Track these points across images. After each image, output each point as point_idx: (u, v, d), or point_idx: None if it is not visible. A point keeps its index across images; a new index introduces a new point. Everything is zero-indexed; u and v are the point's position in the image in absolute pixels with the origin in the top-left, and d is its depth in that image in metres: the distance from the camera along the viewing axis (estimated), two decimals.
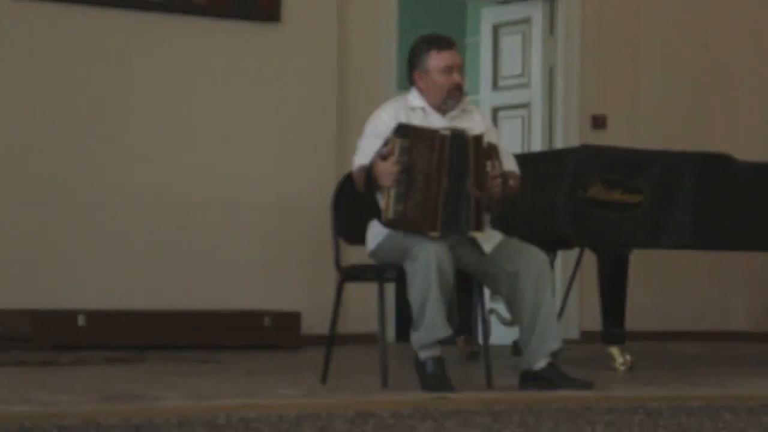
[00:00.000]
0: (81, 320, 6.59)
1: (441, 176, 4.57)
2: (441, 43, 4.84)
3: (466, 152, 4.62)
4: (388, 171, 4.55)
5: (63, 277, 6.92)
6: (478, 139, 4.63)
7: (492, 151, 4.67)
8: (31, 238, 6.88)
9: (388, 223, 4.62)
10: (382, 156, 4.57)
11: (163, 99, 7.22)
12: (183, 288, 7.15)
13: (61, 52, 7.00)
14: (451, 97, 4.82)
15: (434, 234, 4.57)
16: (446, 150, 4.57)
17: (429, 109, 4.83)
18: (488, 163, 4.63)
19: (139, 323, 6.74)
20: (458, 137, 4.63)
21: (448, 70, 4.81)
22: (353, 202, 4.95)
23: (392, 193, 4.57)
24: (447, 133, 4.60)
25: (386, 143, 4.60)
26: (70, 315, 6.60)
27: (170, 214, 7.18)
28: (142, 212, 7.11)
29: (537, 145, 8.27)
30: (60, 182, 6.95)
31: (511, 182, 4.76)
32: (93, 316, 6.64)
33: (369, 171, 4.62)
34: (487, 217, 4.71)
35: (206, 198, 7.27)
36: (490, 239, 4.75)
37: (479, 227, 4.63)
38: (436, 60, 4.82)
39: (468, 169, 4.61)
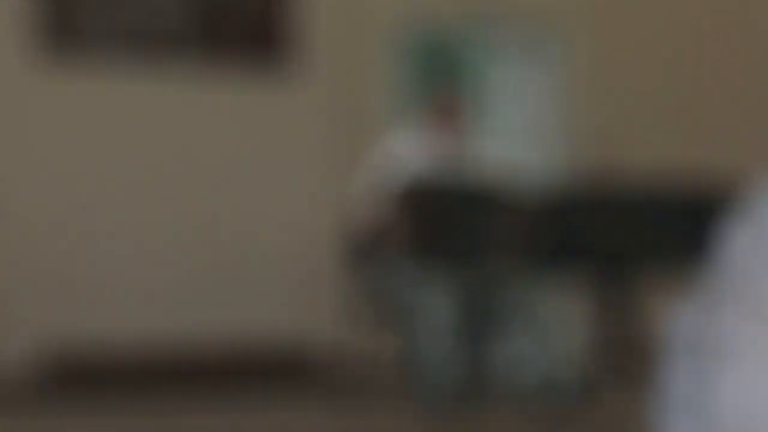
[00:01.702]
0: (104, 350, 6.74)
1: (445, 228, 4.72)
2: (442, 79, 5.01)
3: (475, 203, 4.78)
4: (395, 236, 4.70)
5: (85, 312, 7.07)
6: (491, 193, 4.77)
7: (500, 200, 4.84)
8: (54, 272, 7.04)
9: (394, 259, 4.78)
10: (387, 227, 4.75)
11: (171, 146, 7.36)
12: (191, 317, 7.28)
13: (84, 107, 7.17)
14: (443, 135, 4.98)
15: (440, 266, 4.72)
16: (447, 205, 4.72)
17: (429, 140, 4.98)
18: (501, 213, 4.82)
19: (148, 356, 6.88)
20: (463, 195, 4.77)
21: (446, 105, 4.97)
22: (361, 240, 5.07)
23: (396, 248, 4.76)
24: (450, 190, 4.72)
25: (394, 209, 4.77)
26: (93, 346, 6.76)
27: (180, 247, 7.33)
28: (150, 250, 7.25)
29: (542, 166, 8.37)
30: (86, 222, 7.11)
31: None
32: (114, 346, 6.79)
33: (375, 230, 4.79)
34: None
35: (214, 234, 7.40)
36: (495, 280, 4.90)
37: (483, 265, 4.80)
38: (435, 97, 4.99)
39: (482, 221, 4.76)
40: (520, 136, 8.61)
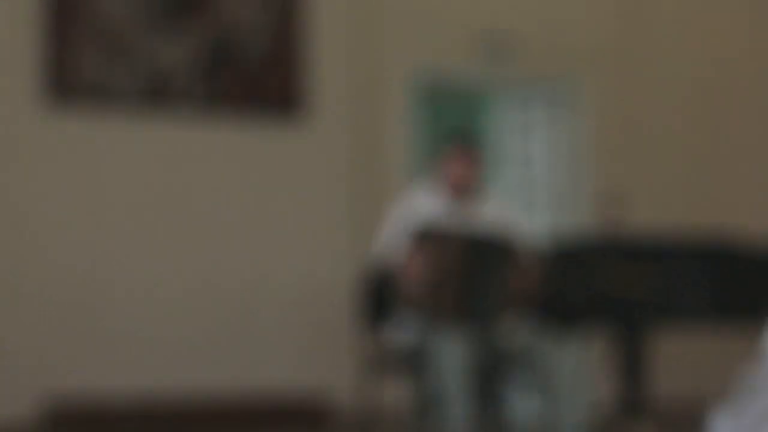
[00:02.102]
0: (111, 404, 6.69)
1: (461, 278, 4.68)
2: (457, 140, 5.03)
3: (492, 258, 4.74)
4: (414, 275, 4.68)
5: (89, 366, 7.02)
6: (507, 247, 4.75)
7: (518, 256, 4.80)
8: (57, 328, 7.01)
9: (411, 305, 4.75)
10: (406, 261, 4.71)
11: (185, 192, 7.35)
12: (202, 371, 7.24)
13: (80, 150, 7.17)
14: (452, 194, 4.99)
15: (455, 326, 4.69)
16: (462, 253, 4.69)
17: (441, 200, 5.00)
18: (515, 270, 4.77)
19: (164, 409, 6.84)
20: (482, 243, 4.76)
21: (455, 167, 4.99)
22: (374, 290, 5.08)
23: (416, 292, 4.71)
24: (468, 238, 4.70)
25: (411, 249, 4.73)
26: (98, 400, 6.71)
27: (191, 300, 7.30)
28: (163, 302, 7.23)
29: (548, 225, 8.39)
30: (87, 270, 7.08)
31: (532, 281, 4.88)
32: (120, 402, 6.74)
33: (394, 273, 4.77)
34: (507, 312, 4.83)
35: (227, 284, 7.38)
36: (511, 330, 4.87)
37: (493, 325, 4.76)
38: (449, 155, 5.01)
39: (492, 274, 4.74)
40: (530, 193, 8.62)
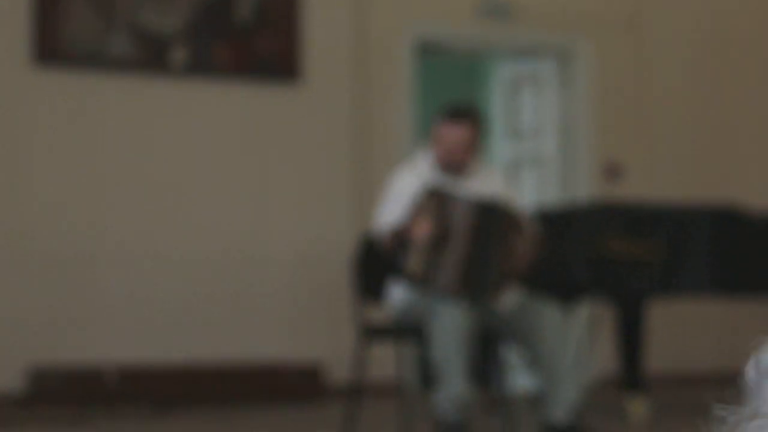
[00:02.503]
0: (108, 376, 6.69)
1: (467, 244, 4.64)
2: (452, 114, 4.95)
3: (497, 225, 4.69)
4: (423, 229, 4.64)
5: (90, 335, 7.03)
6: (512, 215, 4.69)
7: (521, 225, 4.74)
8: (57, 295, 7.00)
9: (413, 277, 4.71)
10: (418, 218, 4.67)
11: (188, 160, 7.35)
12: (204, 343, 7.24)
13: (83, 115, 7.13)
14: (444, 168, 4.93)
15: (457, 298, 4.65)
16: (473, 220, 4.64)
17: (439, 173, 4.94)
18: (519, 239, 4.72)
19: (164, 378, 6.84)
20: (488, 209, 4.71)
21: (447, 141, 4.92)
22: (373, 260, 5.06)
23: (421, 249, 4.66)
24: (475, 203, 4.65)
25: (419, 206, 4.70)
26: (97, 371, 6.71)
27: (193, 270, 7.29)
28: (163, 269, 7.22)
29: (554, 196, 8.38)
30: (86, 239, 7.07)
31: (533, 250, 4.83)
32: (119, 371, 6.74)
33: (400, 230, 4.72)
34: (504, 288, 4.78)
35: (228, 254, 7.38)
36: (507, 298, 4.84)
37: (495, 299, 4.71)
38: (440, 129, 4.94)
39: (497, 242, 4.68)
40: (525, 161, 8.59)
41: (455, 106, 5.00)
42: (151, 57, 7.20)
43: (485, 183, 4.96)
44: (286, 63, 7.51)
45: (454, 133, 4.88)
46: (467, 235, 4.62)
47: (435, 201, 4.64)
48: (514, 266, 4.72)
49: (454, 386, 4.63)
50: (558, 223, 5.97)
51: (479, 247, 4.65)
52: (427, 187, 4.72)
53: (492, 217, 4.68)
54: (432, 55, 8.64)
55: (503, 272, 4.69)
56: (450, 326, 4.59)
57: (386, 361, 6.99)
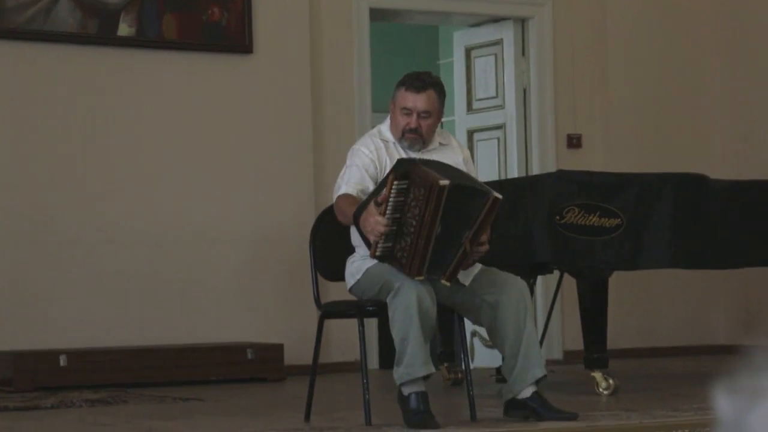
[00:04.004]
0: (62, 360, 6.56)
1: (434, 224, 4.48)
2: (413, 83, 4.80)
3: (479, 207, 4.53)
4: (375, 226, 4.49)
5: (42, 318, 6.89)
6: (497, 201, 4.55)
7: (496, 216, 4.60)
8: (6, 278, 6.85)
9: (374, 257, 4.58)
10: (377, 202, 4.51)
11: (137, 134, 7.21)
12: (163, 324, 7.13)
13: (28, 89, 6.98)
14: (405, 139, 4.80)
15: (419, 278, 4.53)
16: (443, 200, 4.46)
17: (398, 144, 4.83)
18: (489, 228, 4.59)
19: (120, 361, 6.72)
20: (467, 189, 4.54)
21: (408, 112, 4.79)
22: (331, 237, 4.95)
23: (380, 238, 4.52)
24: (446, 183, 4.46)
25: (383, 183, 4.54)
26: (51, 355, 6.58)
27: (147, 249, 7.16)
28: (118, 249, 7.09)
29: (513, 166, 8.30)
30: (33, 221, 6.93)
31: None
32: (74, 355, 6.61)
33: (357, 218, 4.57)
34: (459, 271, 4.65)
35: (183, 232, 7.25)
36: (468, 271, 4.73)
37: (450, 279, 4.59)
38: (402, 98, 4.80)
39: (472, 224, 4.53)
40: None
41: (417, 75, 4.86)
42: (98, 29, 7.05)
43: (446, 156, 4.84)
44: (239, 33, 7.37)
45: (419, 104, 4.76)
46: (433, 216, 4.47)
47: (401, 178, 4.48)
48: (480, 244, 4.59)
49: (414, 365, 4.53)
50: (517, 191, 5.87)
51: (446, 227, 4.52)
52: (397, 164, 4.56)
53: (467, 197, 4.54)
54: (387, 22, 8.53)
55: (464, 258, 4.56)
56: (410, 304, 4.48)
57: (348, 339, 6.89)
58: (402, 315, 4.51)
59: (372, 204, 4.51)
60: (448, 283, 4.58)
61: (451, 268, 4.56)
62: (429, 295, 4.54)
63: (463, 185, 4.52)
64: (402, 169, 4.51)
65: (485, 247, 4.61)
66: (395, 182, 4.45)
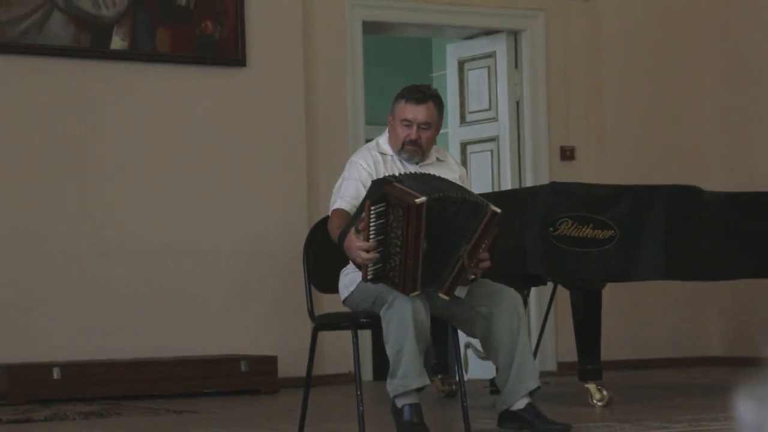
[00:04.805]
0: (56, 373, 6.56)
1: (419, 241, 4.45)
2: (412, 95, 4.81)
3: (477, 220, 4.51)
4: (357, 253, 4.47)
5: (35, 330, 6.88)
6: (494, 215, 4.53)
7: (495, 231, 4.58)
8: (1, 288, 6.85)
9: (366, 281, 4.56)
10: (357, 229, 4.50)
11: (130, 147, 7.21)
12: (157, 336, 7.12)
13: (22, 101, 6.98)
14: (404, 151, 4.81)
15: (414, 294, 4.52)
16: (422, 215, 4.43)
17: (396, 157, 4.83)
18: (486, 241, 4.56)
19: (114, 373, 6.71)
20: (445, 200, 4.51)
21: (408, 123, 4.79)
22: (325, 250, 4.94)
23: (369, 262, 4.49)
24: (422, 200, 4.44)
25: (361, 209, 4.52)
26: (44, 368, 6.58)
27: (141, 262, 7.16)
28: (111, 262, 7.08)
29: (506, 178, 8.31)
30: (26, 234, 6.92)
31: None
32: (67, 368, 6.61)
33: (340, 244, 4.55)
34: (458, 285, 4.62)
35: (176, 245, 7.25)
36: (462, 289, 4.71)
37: (449, 292, 4.57)
38: (401, 110, 4.81)
39: (470, 238, 4.51)
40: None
41: (417, 88, 4.87)
42: (91, 42, 7.06)
43: (442, 172, 4.83)
44: (232, 47, 7.38)
45: (419, 115, 4.76)
46: (417, 233, 4.45)
47: (377, 203, 4.46)
48: (480, 260, 4.57)
49: (408, 377, 4.53)
50: (511, 203, 5.87)
51: (433, 241, 4.50)
52: (372, 187, 4.54)
53: (446, 208, 4.53)
54: (380, 35, 8.54)
55: (466, 265, 4.54)
56: (404, 316, 4.48)
57: (342, 351, 6.89)
58: (396, 327, 4.50)
59: (352, 232, 4.49)
60: (446, 297, 4.57)
61: (449, 282, 4.54)
62: (423, 307, 4.53)
63: (449, 197, 4.49)
64: (377, 192, 4.47)
65: (486, 263, 4.59)
66: (372, 207, 4.43)
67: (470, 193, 4.67)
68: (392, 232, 4.43)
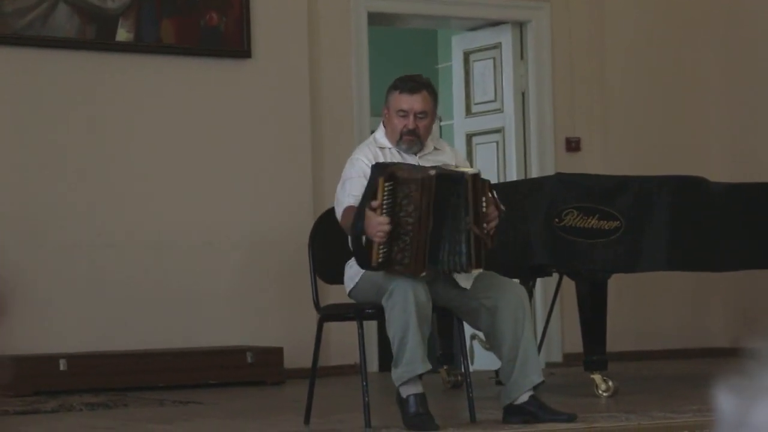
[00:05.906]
0: (62, 364, 6.57)
1: (430, 216, 4.49)
2: (406, 85, 4.81)
3: (463, 191, 4.54)
4: (379, 228, 4.48)
5: (42, 322, 6.89)
6: (476, 177, 4.56)
7: (487, 187, 4.61)
8: (6, 282, 6.85)
9: (376, 267, 4.57)
10: (371, 208, 4.50)
11: (135, 139, 7.21)
12: (163, 327, 7.13)
13: (27, 93, 6.98)
14: (403, 141, 4.81)
15: (423, 275, 4.53)
16: (433, 190, 4.48)
17: (395, 149, 4.83)
18: (484, 200, 4.57)
19: (120, 365, 6.72)
20: (447, 177, 4.56)
21: (404, 113, 4.79)
22: (330, 241, 4.95)
23: (381, 242, 4.51)
24: (433, 173, 4.50)
25: (371, 187, 4.53)
26: (51, 360, 6.59)
27: (146, 254, 7.17)
28: (118, 253, 7.09)
29: (512, 169, 8.30)
30: (32, 225, 6.93)
31: (501, 207, 4.69)
32: (74, 359, 6.62)
33: (359, 219, 4.55)
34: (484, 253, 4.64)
35: (182, 236, 7.26)
36: (468, 274, 4.73)
37: (479, 264, 4.59)
38: (396, 101, 4.81)
39: (467, 208, 4.54)
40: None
41: (409, 78, 4.87)
42: (97, 34, 7.06)
43: (440, 160, 4.84)
44: (237, 38, 7.38)
45: (415, 105, 4.76)
46: (427, 210, 4.49)
47: (387, 180, 4.48)
48: (489, 232, 4.57)
49: (412, 364, 4.53)
50: (516, 195, 5.88)
51: (441, 219, 4.52)
52: (376, 169, 4.55)
53: (458, 186, 4.55)
54: (385, 26, 8.53)
55: (480, 241, 4.55)
56: (406, 303, 4.48)
57: (348, 342, 6.89)
58: (399, 313, 4.51)
59: (368, 210, 4.50)
60: (480, 270, 4.58)
61: (474, 256, 4.54)
62: (424, 292, 4.54)
63: (444, 174, 4.55)
64: (384, 172, 4.51)
65: (494, 222, 4.59)
66: (386, 183, 4.46)
67: (446, 167, 4.68)
68: (402, 210, 4.47)
